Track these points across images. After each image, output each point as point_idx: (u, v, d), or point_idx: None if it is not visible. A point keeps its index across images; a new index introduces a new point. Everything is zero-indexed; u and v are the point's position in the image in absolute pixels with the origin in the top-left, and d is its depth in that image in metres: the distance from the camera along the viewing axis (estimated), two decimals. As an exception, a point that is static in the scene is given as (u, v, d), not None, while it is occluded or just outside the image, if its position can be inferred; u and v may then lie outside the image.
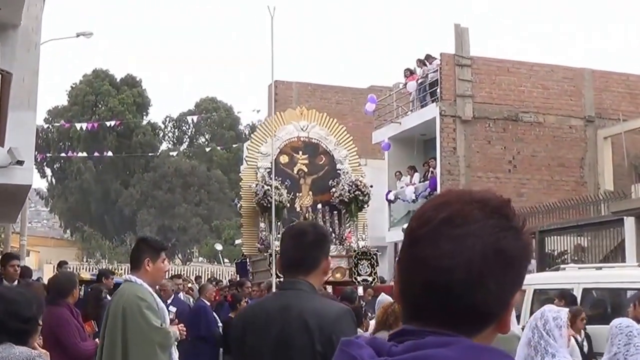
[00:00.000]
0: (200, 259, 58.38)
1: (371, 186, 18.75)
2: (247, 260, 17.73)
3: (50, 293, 7.34)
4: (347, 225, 18.24)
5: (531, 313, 10.46)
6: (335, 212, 18.44)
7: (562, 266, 12.21)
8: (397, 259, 1.42)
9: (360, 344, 1.32)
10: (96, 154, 42.77)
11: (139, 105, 59.48)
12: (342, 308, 3.31)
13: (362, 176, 18.92)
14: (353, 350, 1.31)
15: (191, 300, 13.72)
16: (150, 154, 50.63)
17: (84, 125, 41.17)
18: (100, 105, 57.39)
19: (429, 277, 1.29)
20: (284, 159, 18.54)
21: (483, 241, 1.28)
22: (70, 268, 22.10)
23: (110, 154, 47.42)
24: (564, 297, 9.26)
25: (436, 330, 1.28)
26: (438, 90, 23.24)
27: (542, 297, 10.39)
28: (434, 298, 1.29)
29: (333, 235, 17.85)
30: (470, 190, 1.38)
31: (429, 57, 24.29)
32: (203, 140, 66.64)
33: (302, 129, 18.95)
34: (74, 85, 60.08)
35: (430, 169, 23.42)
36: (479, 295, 1.28)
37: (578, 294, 10.01)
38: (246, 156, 18.94)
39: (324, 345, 3.07)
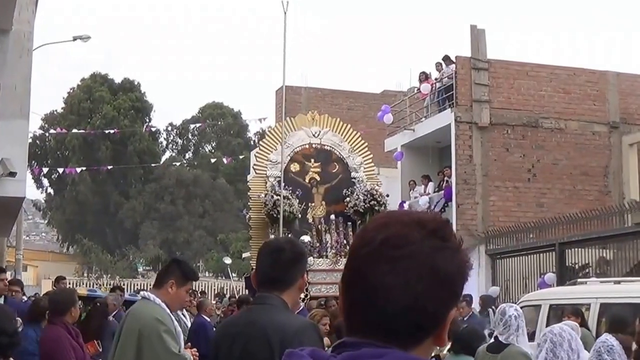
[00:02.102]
0: (206, 273, 58.46)
1: (387, 195, 18.72)
2: (256, 273, 17.75)
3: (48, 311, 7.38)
4: (363, 237, 18.21)
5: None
6: (350, 223, 18.40)
7: (579, 280, 12.22)
8: (342, 275, 1.55)
9: (301, 355, 1.50)
10: (94, 167, 42.81)
11: (139, 110, 59.58)
12: (304, 322, 3.43)
13: (378, 185, 18.86)
14: None
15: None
16: (153, 164, 50.80)
17: (75, 130, 41.31)
18: (96, 113, 57.52)
19: (368, 295, 1.44)
20: (294, 167, 18.52)
21: (420, 262, 1.43)
22: (68, 283, 22.20)
23: (107, 163, 47.55)
24: (576, 313, 9.29)
25: (372, 342, 1.42)
26: (453, 95, 23.25)
27: (558, 312, 10.41)
28: (373, 315, 1.44)
29: (347, 247, 17.82)
30: (411, 212, 1.55)
31: (447, 59, 24.31)
32: (209, 148, 66.78)
33: (313, 135, 18.91)
34: (70, 91, 60.35)
35: (445, 178, 23.43)
36: (416, 314, 1.42)
37: (596, 309, 10.01)
38: (254, 164, 18.94)
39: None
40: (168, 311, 5.02)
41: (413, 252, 1.43)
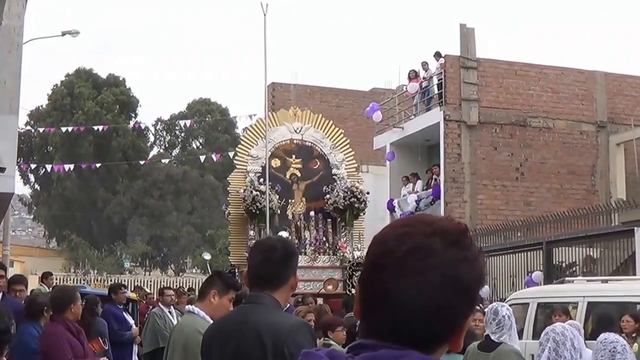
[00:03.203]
0: (194, 269, 58.33)
1: (367, 193, 18.64)
2: (236, 270, 17.68)
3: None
4: (343, 234, 18.14)
5: (534, 327, 10.56)
6: (330, 220, 18.33)
7: (567, 279, 12.29)
8: (359, 278, 1.58)
9: (319, 355, 1.50)
10: (83, 163, 42.59)
11: (124, 105, 59.31)
12: (297, 321, 3.44)
13: (358, 182, 18.74)
14: None
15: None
16: (141, 161, 50.58)
17: (64, 129, 41.24)
18: (77, 109, 57.21)
19: (391, 306, 1.46)
20: (275, 162, 18.38)
21: (443, 273, 1.45)
22: (56, 279, 22.09)
23: (91, 158, 47.34)
24: (565, 312, 9.35)
25: (390, 345, 1.45)
26: (442, 93, 23.31)
27: (546, 311, 10.47)
28: (394, 323, 1.46)
29: (326, 244, 17.75)
30: (431, 219, 1.54)
31: (437, 55, 24.33)
32: (197, 144, 66.66)
33: (295, 131, 18.80)
34: (54, 88, 60.09)
35: (434, 176, 23.49)
36: (437, 323, 1.46)
37: (583, 307, 10.08)
38: (235, 159, 18.88)
39: (275, 357, 3.22)
40: (211, 322, 5.09)
41: (437, 263, 1.45)
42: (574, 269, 17.83)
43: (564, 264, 18.08)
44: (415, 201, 23.30)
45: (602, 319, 9.50)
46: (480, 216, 22.49)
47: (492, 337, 5.88)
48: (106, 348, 8.34)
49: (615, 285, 10.72)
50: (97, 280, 39.10)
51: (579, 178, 23.81)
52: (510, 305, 6.98)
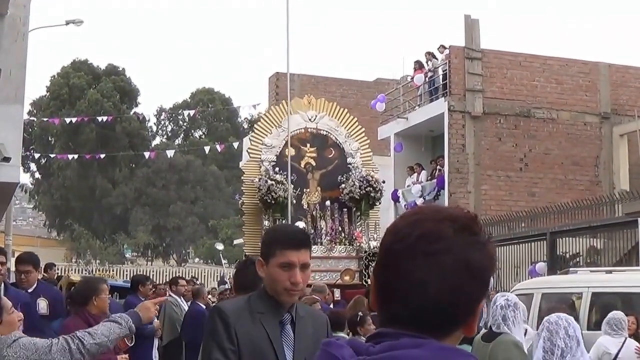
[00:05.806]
0: (197, 259, 58.37)
1: (383, 182, 18.55)
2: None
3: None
4: (359, 224, 18.02)
5: (539, 318, 10.59)
6: (345, 209, 18.20)
7: (571, 269, 12.32)
8: (373, 268, 1.64)
9: (341, 344, 1.55)
10: (86, 153, 42.55)
11: (124, 93, 59.20)
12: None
13: (374, 171, 18.63)
14: (334, 350, 1.54)
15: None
16: (145, 152, 50.55)
17: (68, 120, 41.35)
18: (75, 99, 57.13)
19: (406, 290, 1.51)
20: (290, 151, 18.24)
21: (455, 257, 1.50)
22: (58, 270, 22.12)
23: (92, 146, 47.27)
24: (565, 303, 9.38)
25: (410, 333, 1.50)
26: (447, 84, 23.31)
27: (550, 301, 10.50)
28: (411, 308, 1.51)
29: (342, 234, 17.66)
30: (440, 207, 1.62)
31: (442, 47, 24.33)
32: (199, 133, 66.67)
33: (310, 120, 18.59)
34: (52, 78, 60.07)
35: (438, 167, 23.51)
36: (451, 306, 1.51)
37: (587, 298, 10.12)
38: (249, 148, 18.65)
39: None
40: None
41: (448, 247, 1.50)
42: (577, 259, 17.86)
43: (567, 255, 18.10)
44: (420, 192, 23.32)
45: (606, 309, 9.52)
46: (484, 206, 22.51)
47: (493, 328, 5.94)
48: (130, 345, 7.91)
49: (619, 276, 10.74)
50: (99, 271, 39.20)
51: (583, 169, 23.84)
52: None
